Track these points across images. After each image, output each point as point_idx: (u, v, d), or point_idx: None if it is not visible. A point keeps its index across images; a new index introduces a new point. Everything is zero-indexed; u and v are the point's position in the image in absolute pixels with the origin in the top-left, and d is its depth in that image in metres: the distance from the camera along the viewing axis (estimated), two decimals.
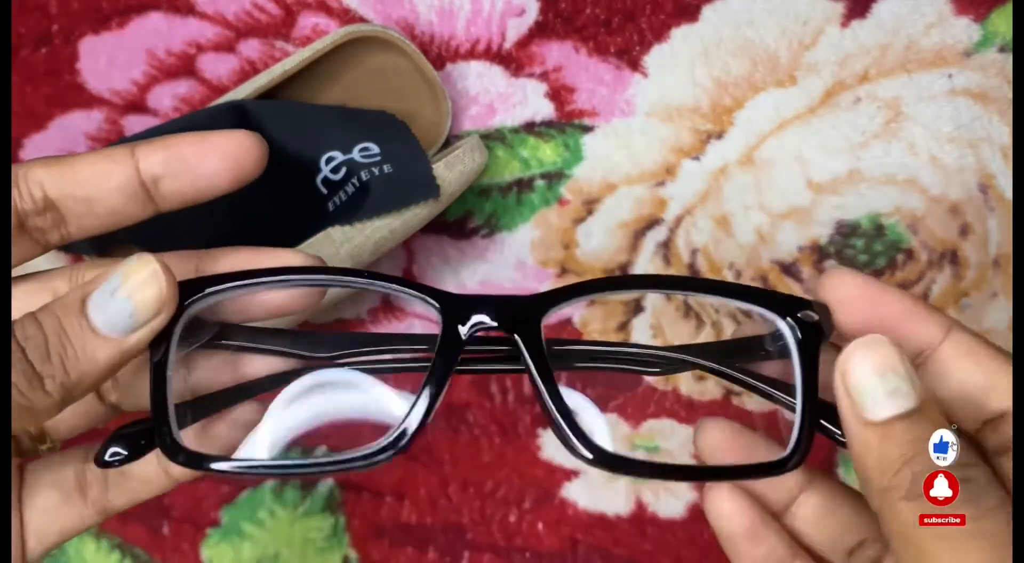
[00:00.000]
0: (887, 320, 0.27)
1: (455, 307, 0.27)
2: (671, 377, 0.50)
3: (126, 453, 0.27)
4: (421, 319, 0.50)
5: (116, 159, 0.28)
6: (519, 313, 0.27)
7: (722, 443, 0.31)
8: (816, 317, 0.27)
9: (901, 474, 0.24)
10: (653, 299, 0.50)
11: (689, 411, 0.50)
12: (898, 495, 0.24)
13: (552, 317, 0.28)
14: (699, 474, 0.33)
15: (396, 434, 0.26)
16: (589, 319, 0.50)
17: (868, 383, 0.24)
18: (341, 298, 0.47)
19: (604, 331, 0.50)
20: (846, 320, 0.27)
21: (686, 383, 0.50)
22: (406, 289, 0.28)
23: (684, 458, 0.50)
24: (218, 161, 0.28)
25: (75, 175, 0.28)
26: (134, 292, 0.25)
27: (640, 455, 0.31)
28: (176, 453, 0.27)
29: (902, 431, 0.24)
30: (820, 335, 0.27)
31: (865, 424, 0.24)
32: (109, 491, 0.31)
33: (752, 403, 0.50)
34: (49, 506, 0.30)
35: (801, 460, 0.27)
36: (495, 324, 0.27)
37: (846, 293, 0.27)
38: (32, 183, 0.27)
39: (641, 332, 0.50)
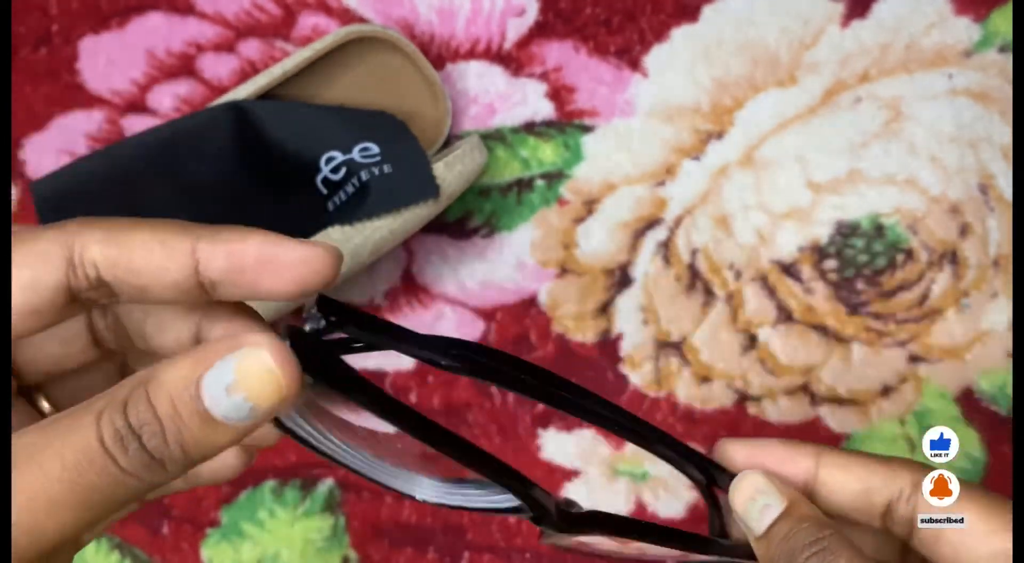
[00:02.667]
0: (771, 468, 0.32)
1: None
2: (664, 380, 0.50)
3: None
4: (451, 304, 0.50)
5: (175, 254, 0.25)
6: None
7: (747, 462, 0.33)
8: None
9: None
10: (645, 267, 0.50)
11: (689, 424, 0.50)
12: None
13: None
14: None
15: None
16: (560, 299, 0.50)
17: (748, 508, 0.30)
18: (351, 274, 0.47)
19: (579, 315, 0.50)
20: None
21: (684, 387, 0.50)
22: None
23: (679, 487, 0.50)
24: (282, 283, 0.26)
25: (131, 263, 0.26)
26: (251, 391, 0.23)
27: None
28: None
29: (778, 534, 0.29)
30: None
31: (756, 540, 0.30)
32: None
33: (773, 410, 0.50)
34: None
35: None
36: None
37: (737, 461, 0.32)
38: (87, 264, 0.25)
39: (628, 317, 0.50)
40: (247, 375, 0.23)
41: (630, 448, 0.50)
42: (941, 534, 0.29)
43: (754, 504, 0.30)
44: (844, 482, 0.31)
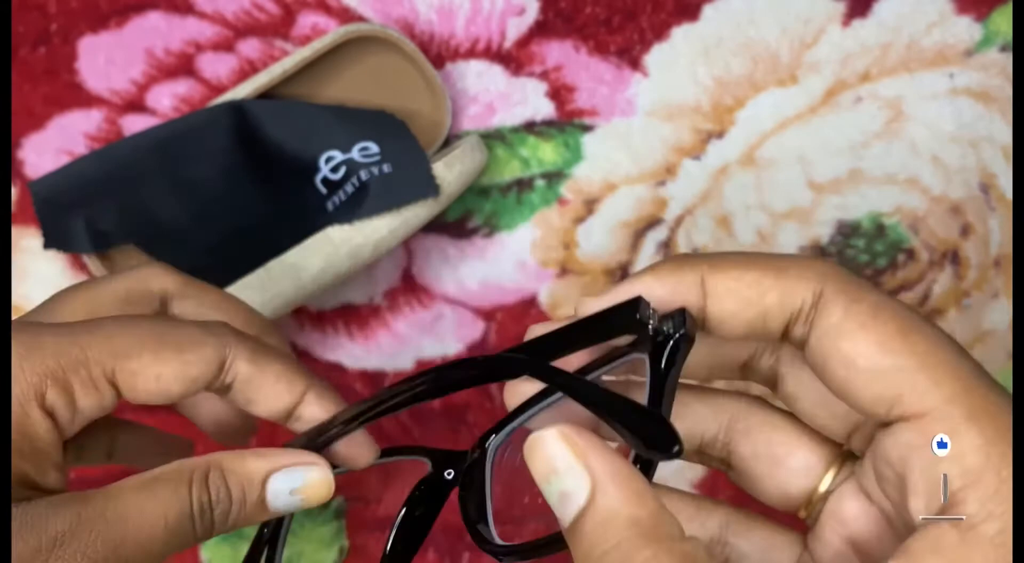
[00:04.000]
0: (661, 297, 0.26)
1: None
2: None
3: None
4: (451, 304, 0.49)
5: (293, 391, 0.31)
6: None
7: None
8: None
9: None
10: None
11: None
12: None
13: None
14: None
15: None
16: (560, 299, 0.49)
17: (546, 492, 0.23)
18: (351, 274, 0.46)
19: None
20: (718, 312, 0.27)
21: None
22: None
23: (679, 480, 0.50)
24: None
25: (260, 389, 0.31)
26: (310, 498, 0.30)
27: None
28: None
29: (584, 534, 0.23)
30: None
31: (566, 532, 0.23)
32: None
33: None
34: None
35: None
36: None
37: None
38: (231, 374, 0.31)
39: None
40: (313, 486, 0.30)
41: None
42: (830, 352, 0.25)
43: (550, 488, 0.23)
44: (735, 312, 0.26)
